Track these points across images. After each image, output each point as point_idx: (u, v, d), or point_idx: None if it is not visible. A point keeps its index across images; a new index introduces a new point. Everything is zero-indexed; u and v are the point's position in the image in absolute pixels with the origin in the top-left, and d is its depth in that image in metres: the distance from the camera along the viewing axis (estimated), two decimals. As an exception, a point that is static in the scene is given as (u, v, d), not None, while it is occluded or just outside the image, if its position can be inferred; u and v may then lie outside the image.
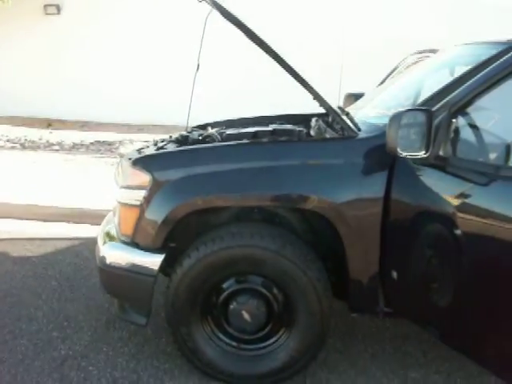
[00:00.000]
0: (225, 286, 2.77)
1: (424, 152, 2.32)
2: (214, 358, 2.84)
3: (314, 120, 3.52)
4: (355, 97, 4.22)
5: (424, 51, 4.25)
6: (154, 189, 2.68)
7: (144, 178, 2.72)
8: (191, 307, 2.75)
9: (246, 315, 2.76)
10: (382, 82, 4.89)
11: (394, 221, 2.57)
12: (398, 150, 2.30)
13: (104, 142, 9.76)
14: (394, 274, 2.63)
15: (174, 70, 10.69)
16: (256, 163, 2.67)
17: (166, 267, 2.89)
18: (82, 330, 3.38)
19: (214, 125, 4.04)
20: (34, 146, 9.30)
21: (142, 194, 2.71)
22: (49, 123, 11.60)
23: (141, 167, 2.76)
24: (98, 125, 11.43)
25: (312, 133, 3.19)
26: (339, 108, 3.67)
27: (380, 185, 2.56)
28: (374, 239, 2.62)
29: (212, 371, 2.86)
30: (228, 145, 2.91)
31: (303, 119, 3.86)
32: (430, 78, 3.27)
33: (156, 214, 2.68)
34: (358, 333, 3.46)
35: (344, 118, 2.79)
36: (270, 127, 3.39)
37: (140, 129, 11.10)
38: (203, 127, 4.00)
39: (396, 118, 2.29)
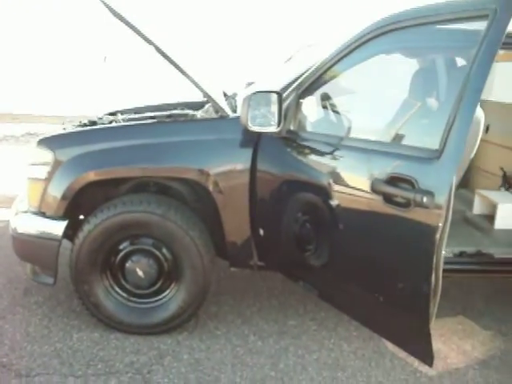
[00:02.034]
0: (121, 247, 3.30)
1: (275, 127, 2.90)
2: (114, 311, 3.36)
3: (207, 105, 4.07)
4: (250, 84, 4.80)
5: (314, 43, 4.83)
6: (56, 165, 3.20)
7: (47, 155, 3.23)
8: (91, 266, 3.27)
9: (140, 272, 3.30)
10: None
11: (260, 187, 3.15)
12: (250, 125, 2.87)
13: (34, 134, 10.10)
14: (261, 232, 3.22)
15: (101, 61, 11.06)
16: (142, 140, 3.22)
17: (72, 236, 3.39)
18: (2, 297, 3.84)
19: (123, 111, 4.54)
20: (-37, 139, 9.60)
21: (47, 169, 3.22)
22: (-21, 116, 11.83)
23: (44, 146, 3.27)
24: (29, 117, 11.72)
25: (199, 115, 3.73)
26: (233, 94, 4.25)
27: (247, 157, 3.14)
28: (243, 204, 3.19)
29: (113, 323, 3.39)
30: (118, 126, 3.45)
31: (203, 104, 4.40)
32: (301, 66, 3.85)
33: (58, 187, 3.20)
34: (250, 291, 4.05)
35: (218, 100, 3.34)
36: (169, 112, 3.92)
37: (71, 121, 11.42)
38: (113, 114, 4.49)
39: (247, 98, 2.86)
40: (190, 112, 3.90)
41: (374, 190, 2.43)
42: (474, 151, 3.52)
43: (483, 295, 4.16)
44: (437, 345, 3.47)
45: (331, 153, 2.80)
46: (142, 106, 4.64)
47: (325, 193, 2.79)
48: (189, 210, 3.33)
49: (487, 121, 4.45)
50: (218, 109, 3.31)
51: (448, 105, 2.30)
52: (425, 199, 2.20)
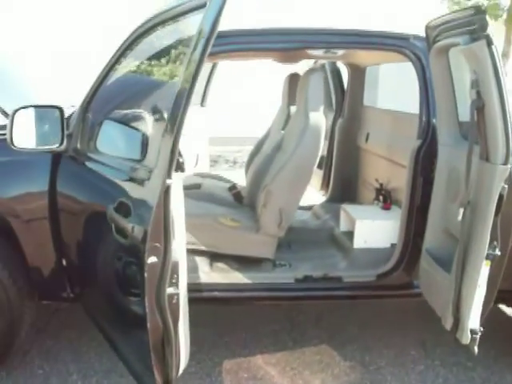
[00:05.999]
0: None
1: (58, 145, 2.67)
2: None
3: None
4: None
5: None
6: None
7: None
8: None
9: None
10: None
11: (61, 211, 2.92)
12: (14, 144, 2.63)
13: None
14: (64, 262, 2.99)
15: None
16: None
17: None
18: None
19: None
20: None
21: None
22: None
23: None
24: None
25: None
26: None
27: (44, 179, 2.91)
28: (44, 230, 2.96)
29: None
30: None
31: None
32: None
33: None
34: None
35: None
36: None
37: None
38: None
39: (12, 114, 2.62)
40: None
41: (109, 218, 2.18)
42: (317, 161, 3.30)
43: (358, 320, 3.89)
44: (282, 381, 3.23)
45: (103, 173, 2.58)
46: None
47: (103, 218, 2.56)
48: None
49: (368, 129, 4.23)
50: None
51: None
52: (135, 230, 1.94)
